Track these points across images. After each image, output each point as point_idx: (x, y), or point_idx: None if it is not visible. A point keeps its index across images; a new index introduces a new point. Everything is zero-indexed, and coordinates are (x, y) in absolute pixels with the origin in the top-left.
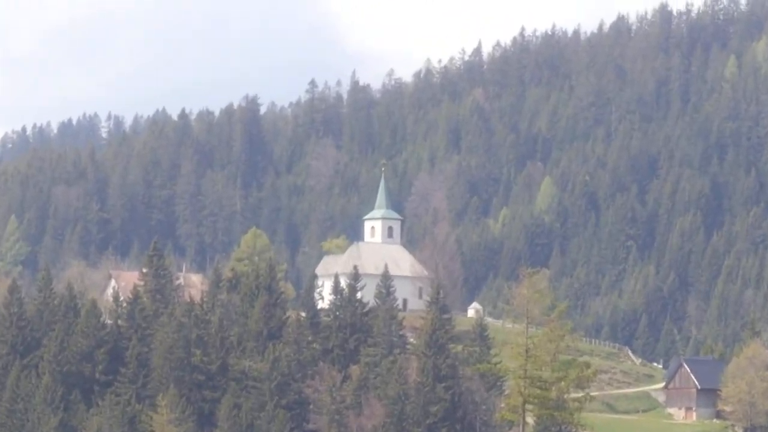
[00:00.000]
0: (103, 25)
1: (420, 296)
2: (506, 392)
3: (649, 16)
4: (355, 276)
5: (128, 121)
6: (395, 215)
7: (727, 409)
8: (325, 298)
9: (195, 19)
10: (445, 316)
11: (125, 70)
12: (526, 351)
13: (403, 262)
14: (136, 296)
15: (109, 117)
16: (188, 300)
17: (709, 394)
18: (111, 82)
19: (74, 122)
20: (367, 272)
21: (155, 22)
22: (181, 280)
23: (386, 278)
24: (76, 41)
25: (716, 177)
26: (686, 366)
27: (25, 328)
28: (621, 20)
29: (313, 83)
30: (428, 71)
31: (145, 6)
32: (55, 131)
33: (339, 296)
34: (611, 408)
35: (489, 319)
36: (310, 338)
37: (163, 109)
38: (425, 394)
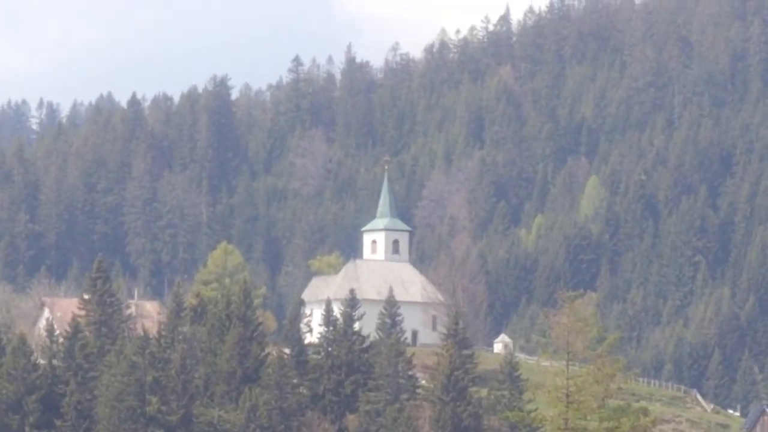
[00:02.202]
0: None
1: (434, 327)
2: None
3: None
4: (352, 302)
5: (65, 110)
6: (402, 225)
7: None
8: (314, 330)
9: None
10: (466, 351)
11: (61, 44)
12: (567, 395)
13: (412, 285)
14: (75, 330)
15: (40, 104)
16: (142, 334)
17: None
18: (43, 60)
19: None
20: (368, 297)
21: None
22: (133, 309)
23: (391, 305)
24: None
25: None
26: None
27: None
28: None
29: (297, 60)
30: (443, 45)
31: None
32: None
33: (332, 328)
34: None
35: (521, 356)
36: (295, 381)
37: (109, 94)
38: None
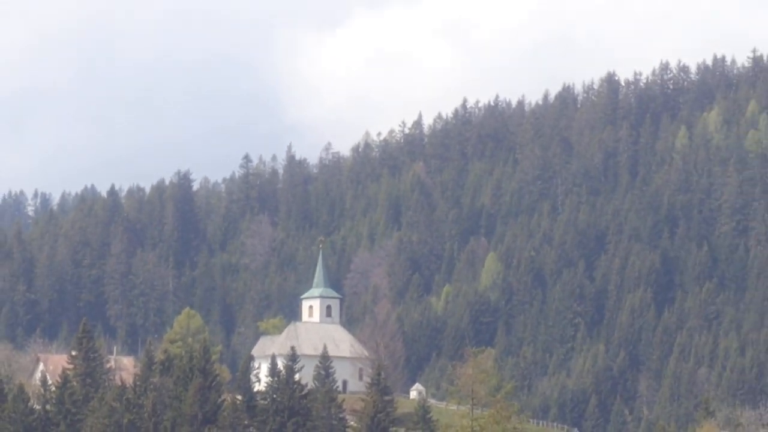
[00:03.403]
0: (28, 100)
1: (360, 377)
2: None
3: (595, 86)
4: (293, 357)
5: (56, 199)
6: (334, 294)
7: None
8: (261, 380)
9: (125, 87)
10: (387, 398)
11: (52, 145)
12: None
13: (342, 343)
14: (65, 380)
15: (35, 194)
16: (119, 383)
17: None
18: (37, 159)
19: None
20: (305, 353)
21: (83, 95)
22: (112, 363)
23: (325, 359)
24: (4, 113)
25: (667, 251)
26: None
27: None
28: (566, 91)
29: (247, 158)
30: (367, 145)
31: (72, 79)
32: None
33: (276, 378)
34: None
35: (432, 401)
36: (246, 422)
37: (92, 186)
38: None
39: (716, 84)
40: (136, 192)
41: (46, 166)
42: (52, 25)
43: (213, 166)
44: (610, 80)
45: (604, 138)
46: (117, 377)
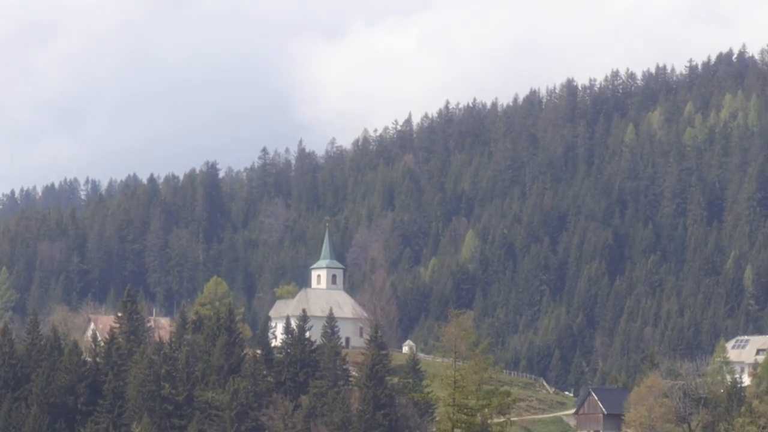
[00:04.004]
0: (81, 101)
1: (361, 335)
2: (437, 418)
3: (557, 90)
4: (304, 318)
5: (104, 185)
6: (338, 264)
7: (630, 431)
8: (277, 337)
9: (163, 92)
10: (383, 352)
11: (101, 139)
12: (454, 382)
13: (345, 306)
14: (112, 337)
15: (87, 181)
16: (158, 340)
17: (614, 418)
18: (88, 151)
19: (57, 186)
20: (314, 314)
21: (127, 97)
22: (152, 323)
23: (331, 320)
24: (60, 114)
25: (618, 229)
26: (594, 394)
27: (16, 366)
28: (533, 94)
29: (265, 150)
30: (365, 139)
31: (117, 83)
32: (40, 194)
33: (290, 336)
34: (529, 431)
35: (421, 355)
36: (264, 372)
37: (134, 174)
38: (366, 420)
39: (659, 88)
40: (171, 179)
41: (96, 157)
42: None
43: (236, 158)
44: (570, 85)
45: (564, 134)
46: (156, 335)
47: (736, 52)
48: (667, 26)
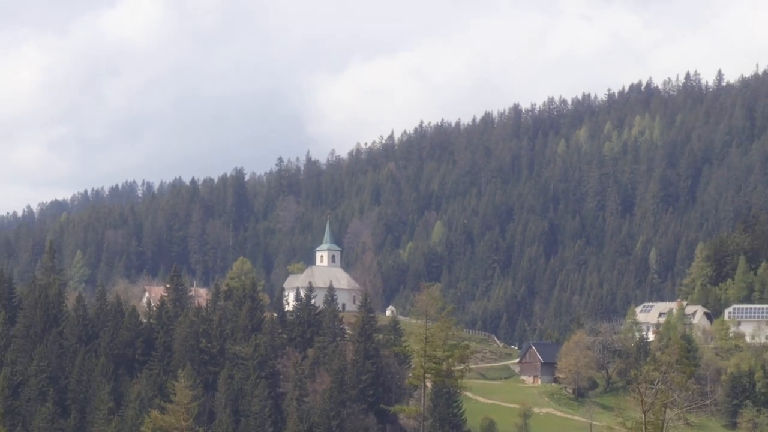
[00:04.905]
0: (142, 121)
1: (354, 302)
2: (412, 366)
3: (506, 113)
4: (310, 289)
5: (156, 185)
6: (336, 248)
7: (562, 376)
8: (290, 303)
9: (203, 110)
10: (371, 315)
11: (156, 151)
12: (425, 338)
13: (342, 279)
14: (162, 303)
15: (143, 183)
16: (197, 306)
17: (549, 366)
18: (146, 160)
19: (119, 187)
20: (318, 286)
21: (178, 119)
22: (193, 292)
23: (331, 290)
24: (124, 130)
25: (552, 220)
26: (533, 347)
27: (87, 326)
28: (487, 115)
29: (280, 159)
30: (358, 150)
31: (169, 104)
32: (107, 193)
33: (299, 302)
34: (483, 376)
35: (400, 317)
36: (279, 330)
37: (179, 178)
38: (358, 367)
39: (584, 111)
40: (208, 181)
41: (151, 164)
42: (157, 69)
43: (259, 165)
44: (516, 108)
45: (511, 146)
46: (196, 302)
47: (644, 83)
48: (591, 63)
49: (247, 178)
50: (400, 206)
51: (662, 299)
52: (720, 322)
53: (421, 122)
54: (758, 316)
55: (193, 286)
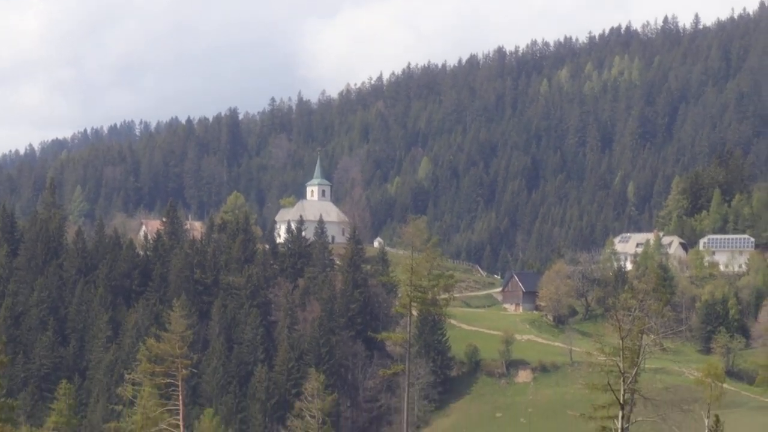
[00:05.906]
0: (139, 63)
1: (343, 234)
2: (399, 295)
3: (491, 55)
4: (301, 221)
5: (153, 124)
6: (326, 182)
7: (542, 304)
8: (281, 236)
9: (200, 55)
10: (359, 246)
11: (153, 92)
12: (411, 268)
13: (332, 212)
14: (158, 236)
15: (140, 122)
16: (192, 238)
17: (530, 295)
18: (143, 100)
19: (118, 126)
20: (309, 219)
21: (174, 61)
22: (188, 225)
23: (321, 223)
24: (122, 73)
25: (535, 156)
26: (516, 277)
27: (87, 258)
28: (473, 57)
29: (273, 99)
30: (348, 91)
31: (167, 52)
32: (106, 131)
33: (290, 235)
34: (467, 305)
35: (388, 248)
36: (271, 262)
37: (176, 117)
38: (347, 297)
39: (566, 53)
40: (203, 120)
41: (148, 104)
42: (153, 12)
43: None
44: (500, 51)
45: (496, 86)
46: (191, 234)
47: (624, 26)
48: (573, 7)
49: (240, 117)
50: (388, 143)
51: (640, 230)
52: (695, 252)
53: (409, 64)
54: (732, 246)
55: (188, 219)
